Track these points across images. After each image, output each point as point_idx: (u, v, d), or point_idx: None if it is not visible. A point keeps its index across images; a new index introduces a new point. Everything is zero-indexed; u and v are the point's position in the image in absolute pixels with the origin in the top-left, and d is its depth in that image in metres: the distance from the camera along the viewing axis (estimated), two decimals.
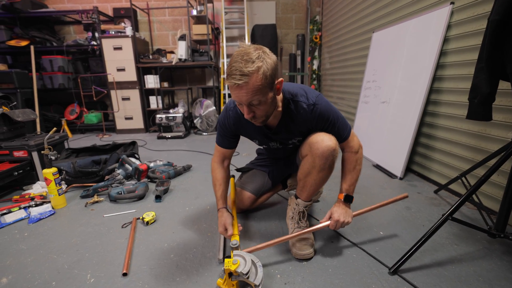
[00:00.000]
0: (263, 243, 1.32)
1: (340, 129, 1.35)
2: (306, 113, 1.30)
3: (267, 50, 1.13)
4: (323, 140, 1.28)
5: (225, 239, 1.50)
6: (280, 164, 1.79)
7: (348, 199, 1.41)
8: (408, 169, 2.55)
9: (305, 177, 1.40)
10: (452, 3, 1.99)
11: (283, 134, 1.42)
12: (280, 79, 1.18)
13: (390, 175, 2.45)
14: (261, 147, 1.76)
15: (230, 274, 1.09)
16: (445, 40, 2.08)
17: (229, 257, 1.14)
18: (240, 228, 1.43)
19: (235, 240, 1.24)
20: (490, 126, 1.73)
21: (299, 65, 5.46)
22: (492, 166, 1.29)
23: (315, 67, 5.45)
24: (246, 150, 3.30)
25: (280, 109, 1.31)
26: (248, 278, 1.08)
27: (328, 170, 1.35)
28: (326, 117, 1.31)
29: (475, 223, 1.46)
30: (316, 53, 5.41)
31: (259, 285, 1.09)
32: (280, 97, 1.30)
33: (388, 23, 2.88)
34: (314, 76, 5.47)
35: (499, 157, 1.31)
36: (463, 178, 1.76)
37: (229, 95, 4.94)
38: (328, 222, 1.38)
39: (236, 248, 1.21)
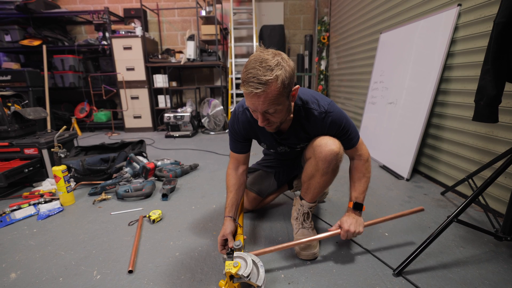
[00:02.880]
0: (269, 247, 1.30)
1: (351, 136, 1.34)
2: (317, 120, 1.29)
3: (285, 56, 1.10)
4: (327, 144, 1.27)
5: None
6: (286, 166, 1.79)
7: (357, 207, 1.36)
8: (415, 170, 2.53)
9: (309, 179, 1.39)
10: (460, 5, 1.97)
11: (292, 140, 1.41)
12: (297, 86, 1.16)
13: (397, 176, 2.44)
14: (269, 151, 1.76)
15: (232, 277, 1.08)
16: (453, 41, 2.06)
17: (231, 256, 1.14)
18: (244, 237, 1.39)
19: (239, 240, 1.24)
20: (497, 128, 1.71)
21: (306, 65, 5.45)
22: (498, 168, 1.28)
23: (322, 67, 5.43)
24: (253, 150, 3.29)
25: (291, 115, 1.30)
26: (249, 279, 1.08)
27: (331, 174, 1.34)
28: (338, 124, 1.29)
29: (481, 225, 1.45)
30: (324, 54, 5.39)
31: (261, 286, 1.09)
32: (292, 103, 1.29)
33: (396, 24, 2.87)
34: (321, 76, 5.46)
35: (506, 159, 1.30)
36: (470, 180, 1.74)
37: (237, 95, 4.96)
38: (338, 231, 1.33)
39: (239, 249, 1.20)
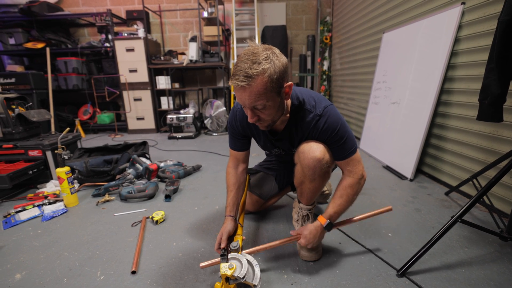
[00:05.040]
0: (253, 248, 1.29)
1: (345, 147, 1.23)
2: (310, 123, 1.23)
3: (277, 51, 1.06)
4: (310, 151, 1.22)
5: (230, 239, 1.49)
6: (286, 168, 1.78)
7: (328, 227, 1.27)
8: (419, 171, 2.51)
9: (300, 185, 1.38)
10: (463, 3, 1.96)
11: (285, 142, 1.36)
12: (290, 83, 1.10)
13: (400, 176, 2.42)
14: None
15: (227, 279, 1.08)
16: (456, 40, 2.05)
17: (225, 258, 1.13)
18: (243, 238, 1.37)
19: (236, 242, 1.24)
20: (502, 127, 1.70)
21: (309, 66, 5.45)
22: (503, 167, 1.27)
23: (325, 68, 5.42)
24: (256, 151, 3.30)
25: (288, 115, 1.26)
26: (245, 280, 1.08)
27: (319, 180, 1.30)
28: (331, 129, 1.20)
29: (486, 225, 1.44)
30: (326, 54, 5.38)
31: (257, 285, 1.09)
32: (288, 102, 1.24)
33: (399, 23, 2.86)
34: (324, 77, 5.45)
35: (511, 159, 1.29)
36: (474, 180, 1.73)
37: None
38: (298, 237, 1.31)
39: (236, 251, 1.19)
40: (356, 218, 1.37)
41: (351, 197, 1.25)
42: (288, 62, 1.11)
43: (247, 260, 1.13)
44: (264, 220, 1.78)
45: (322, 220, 1.26)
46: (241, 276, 1.06)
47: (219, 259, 1.23)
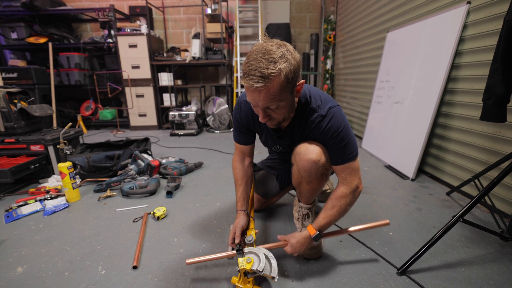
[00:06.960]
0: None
1: (344, 151, 1.17)
2: (313, 123, 1.19)
3: (291, 48, 1.01)
4: (306, 152, 1.20)
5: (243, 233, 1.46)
6: (288, 168, 1.77)
7: (317, 238, 1.21)
8: (420, 170, 2.51)
9: (298, 185, 1.36)
10: (469, 2, 1.95)
11: (286, 139, 1.33)
12: (302, 81, 1.06)
13: (402, 176, 2.42)
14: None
15: (246, 273, 1.09)
16: (461, 40, 2.04)
17: (241, 253, 1.14)
18: (256, 231, 1.35)
19: (251, 235, 1.24)
20: (505, 128, 1.69)
21: (312, 64, 5.43)
22: (505, 168, 1.27)
23: (328, 66, 5.41)
24: (258, 149, 3.29)
25: (294, 112, 1.22)
26: (263, 273, 1.08)
27: (316, 182, 1.27)
28: (333, 131, 1.15)
29: (487, 226, 1.43)
30: (330, 53, 5.36)
31: (275, 277, 1.09)
32: (296, 99, 1.18)
33: (403, 22, 2.85)
34: (327, 75, 5.43)
35: None
36: (476, 181, 1.73)
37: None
38: (284, 243, 1.27)
39: (251, 245, 1.20)
40: (349, 229, 1.34)
41: (343, 208, 1.20)
42: (301, 58, 1.08)
43: (264, 254, 1.14)
44: (266, 218, 1.78)
45: (312, 230, 1.21)
46: (260, 270, 1.07)
47: (207, 257, 1.25)
